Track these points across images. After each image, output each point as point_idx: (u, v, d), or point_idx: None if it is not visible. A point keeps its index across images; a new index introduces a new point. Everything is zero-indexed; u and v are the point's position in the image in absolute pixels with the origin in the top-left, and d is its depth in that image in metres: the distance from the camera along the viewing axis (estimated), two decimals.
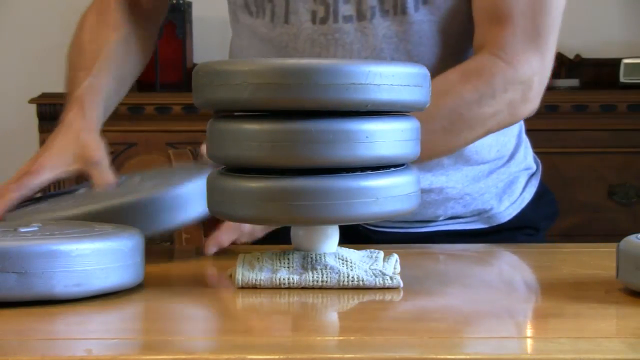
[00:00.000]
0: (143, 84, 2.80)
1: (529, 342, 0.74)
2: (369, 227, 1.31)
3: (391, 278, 0.92)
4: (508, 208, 1.35)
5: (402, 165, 0.95)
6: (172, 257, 1.22)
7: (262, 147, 0.89)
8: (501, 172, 1.34)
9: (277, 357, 0.69)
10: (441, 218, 1.32)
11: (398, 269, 0.96)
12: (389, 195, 0.91)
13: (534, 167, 1.39)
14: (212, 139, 0.93)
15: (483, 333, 0.77)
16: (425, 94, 0.94)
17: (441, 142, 1.19)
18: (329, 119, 0.88)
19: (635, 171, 2.74)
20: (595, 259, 1.13)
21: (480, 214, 1.33)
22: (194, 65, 2.53)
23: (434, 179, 1.30)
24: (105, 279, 0.87)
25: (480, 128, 1.20)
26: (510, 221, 1.35)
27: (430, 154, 1.17)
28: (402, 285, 0.92)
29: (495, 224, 1.34)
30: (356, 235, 1.30)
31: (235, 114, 0.93)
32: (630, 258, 0.87)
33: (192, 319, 0.87)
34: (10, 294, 0.84)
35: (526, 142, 1.39)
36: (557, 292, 0.93)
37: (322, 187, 0.89)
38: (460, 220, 1.33)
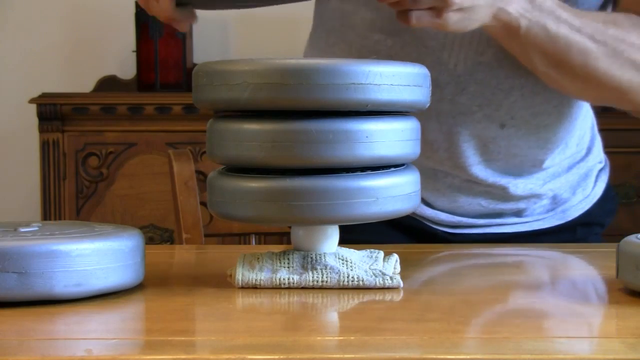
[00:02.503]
0: (143, 84, 2.80)
1: (529, 342, 0.74)
2: (446, 230, 1.32)
3: (391, 278, 0.92)
4: (581, 202, 1.35)
5: (402, 165, 0.95)
6: (172, 257, 1.22)
7: (262, 147, 0.89)
8: (580, 166, 1.35)
9: (277, 357, 0.69)
10: (517, 212, 1.33)
11: (398, 269, 0.96)
12: (389, 195, 0.91)
13: (604, 161, 1.40)
14: (212, 139, 0.94)
15: (483, 333, 0.77)
16: (426, 94, 0.94)
17: (582, 52, 1.17)
18: (329, 119, 0.88)
19: (635, 171, 2.74)
20: (595, 259, 1.13)
21: (554, 208, 1.34)
22: (194, 65, 2.53)
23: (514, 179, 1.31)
24: (105, 279, 0.87)
25: (621, 71, 1.18)
26: (582, 216, 1.35)
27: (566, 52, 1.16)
28: (402, 285, 0.92)
29: (569, 220, 1.34)
30: (433, 238, 1.31)
31: (235, 114, 0.93)
32: (630, 258, 0.87)
33: (192, 319, 0.87)
34: (10, 294, 0.84)
35: (598, 136, 1.40)
36: (557, 292, 0.93)
37: (322, 187, 0.89)
38: (535, 216, 1.33)
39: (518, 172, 1.30)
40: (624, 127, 2.69)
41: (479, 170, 1.28)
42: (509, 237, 1.31)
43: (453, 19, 1.08)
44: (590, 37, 1.15)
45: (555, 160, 1.31)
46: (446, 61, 1.17)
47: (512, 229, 1.32)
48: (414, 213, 1.30)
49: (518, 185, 1.29)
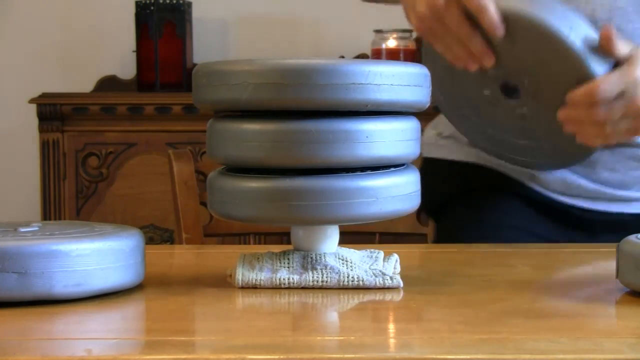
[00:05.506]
0: (143, 84, 2.80)
1: (529, 342, 0.74)
2: (584, 207, 1.32)
3: (391, 278, 0.92)
4: None
5: (402, 165, 0.95)
6: (172, 257, 1.22)
7: (262, 147, 0.89)
8: None
9: (277, 357, 0.69)
10: None
11: (398, 269, 0.96)
12: (389, 195, 0.91)
13: None
14: (212, 139, 0.94)
15: (483, 333, 0.77)
16: (425, 94, 0.94)
17: None
18: (329, 119, 0.88)
19: None
20: (595, 259, 1.14)
21: None
22: (194, 65, 2.53)
23: None
24: (105, 279, 0.87)
25: None
26: None
27: None
28: (402, 285, 0.92)
29: None
30: (567, 216, 1.32)
31: (235, 114, 0.93)
32: (630, 258, 0.87)
33: (192, 319, 0.87)
34: (10, 294, 0.84)
35: None
36: (557, 292, 0.93)
37: (322, 187, 0.89)
38: None
39: None
40: None
41: None
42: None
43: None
44: None
45: None
46: (584, 7, 1.18)
47: None
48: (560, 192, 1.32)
49: None
